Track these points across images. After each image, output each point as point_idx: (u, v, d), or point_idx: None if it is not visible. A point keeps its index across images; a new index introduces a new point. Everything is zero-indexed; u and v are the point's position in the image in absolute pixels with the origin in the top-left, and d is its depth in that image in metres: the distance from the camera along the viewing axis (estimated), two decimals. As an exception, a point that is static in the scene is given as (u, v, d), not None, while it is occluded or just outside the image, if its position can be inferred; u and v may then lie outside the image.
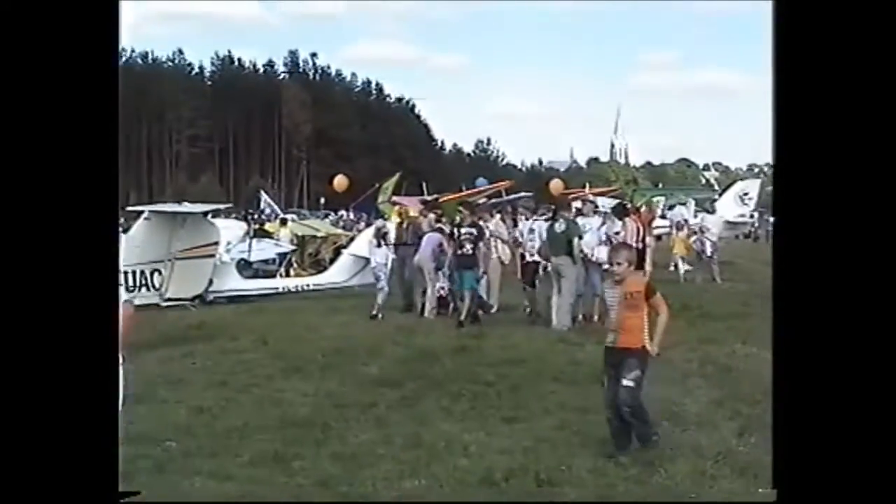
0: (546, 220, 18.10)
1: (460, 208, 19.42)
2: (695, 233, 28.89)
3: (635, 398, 8.17)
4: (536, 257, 17.77)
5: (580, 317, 16.98)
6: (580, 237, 17.02)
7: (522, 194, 55.55)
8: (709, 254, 27.83)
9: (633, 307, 8.30)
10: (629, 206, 23.65)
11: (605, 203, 33.55)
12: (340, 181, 49.85)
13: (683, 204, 40.07)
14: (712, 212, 31.54)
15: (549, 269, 17.00)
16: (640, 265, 19.01)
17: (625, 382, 8.12)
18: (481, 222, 19.10)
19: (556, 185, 48.15)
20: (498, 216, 22.65)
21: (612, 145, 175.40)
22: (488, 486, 7.48)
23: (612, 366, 8.37)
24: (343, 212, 57.08)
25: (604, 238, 18.26)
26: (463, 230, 17.93)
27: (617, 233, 19.02)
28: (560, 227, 16.98)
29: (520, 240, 18.84)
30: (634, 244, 17.70)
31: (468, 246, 17.76)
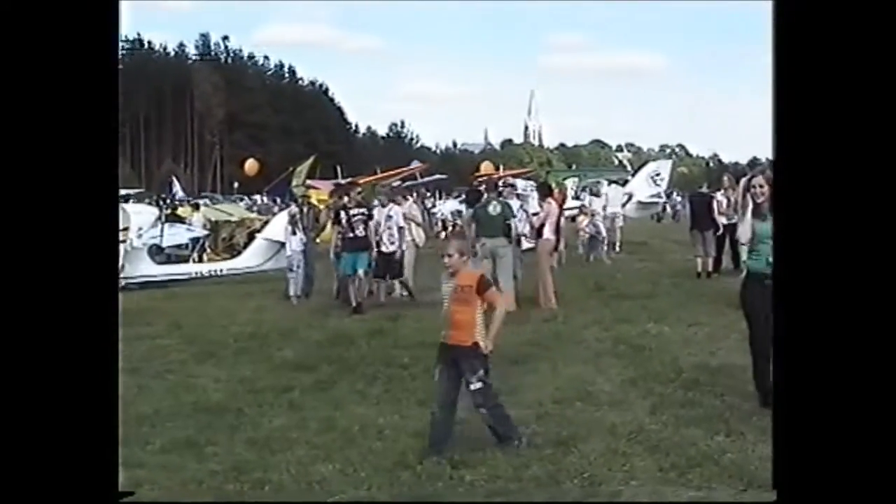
0: (462, 202, 18.16)
1: (349, 193, 19.15)
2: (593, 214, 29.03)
3: (489, 398, 7.97)
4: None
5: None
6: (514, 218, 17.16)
7: (437, 176, 55.69)
8: (603, 234, 27.99)
9: (464, 301, 7.95)
10: (554, 185, 23.77)
11: (522, 185, 33.74)
12: (251, 165, 49.49)
13: (616, 182, 40.48)
14: (599, 195, 31.65)
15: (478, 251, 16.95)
16: (556, 246, 19.26)
17: (472, 387, 7.91)
18: (395, 205, 19.06)
19: (487, 167, 48.30)
20: (411, 199, 22.63)
21: (526, 127, 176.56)
22: (402, 468, 7.47)
23: (445, 362, 8.08)
24: (257, 196, 56.71)
25: (523, 220, 18.39)
26: (353, 212, 17.73)
27: (535, 213, 19.18)
28: (495, 209, 16.99)
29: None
30: (554, 224, 17.90)
31: (360, 228, 17.62)
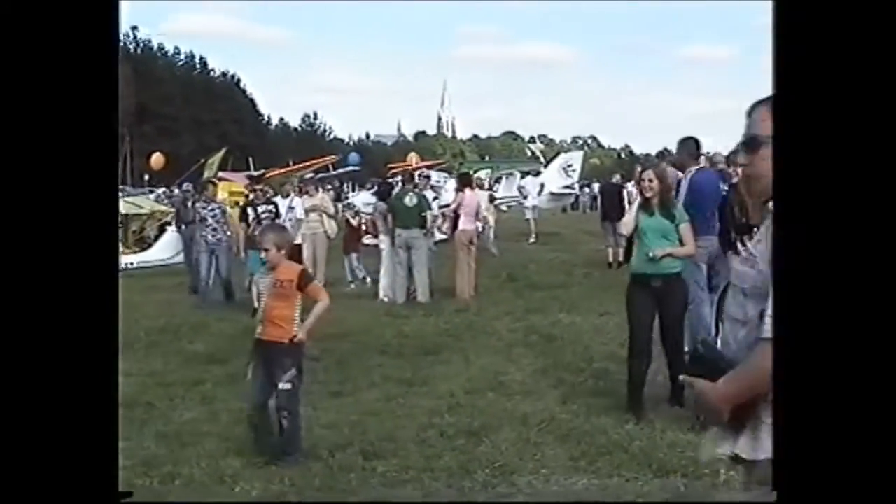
0: (374, 193, 18.13)
1: (255, 188, 18.66)
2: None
3: (293, 401, 7.66)
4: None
5: (411, 289, 17.04)
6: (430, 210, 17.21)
7: (350, 168, 55.45)
8: (491, 224, 28.07)
9: (284, 297, 7.73)
10: (474, 176, 23.81)
11: (435, 176, 33.76)
12: (157, 159, 48.93)
13: (529, 173, 40.69)
14: (484, 187, 31.78)
15: (395, 242, 16.90)
16: (473, 237, 19.33)
17: (281, 385, 7.57)
18: (306, 196, 18.99)
19: (414, 157, 48.26)
20: (321, 191, 22.53)
21: (440, 118, 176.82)
22: (314, 460, 7.46)
23: (260, 359, 7.73)
24: (165, 188, 56.00)
25: (437, 212, 18.45)
26: (260, 208, 16.93)
27: (448, 205, 19.26)
28: (411, 200, 16.99)
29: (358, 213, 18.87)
30: (472, 214, 17.96)
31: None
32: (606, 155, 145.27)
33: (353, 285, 19.24)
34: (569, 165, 39.10)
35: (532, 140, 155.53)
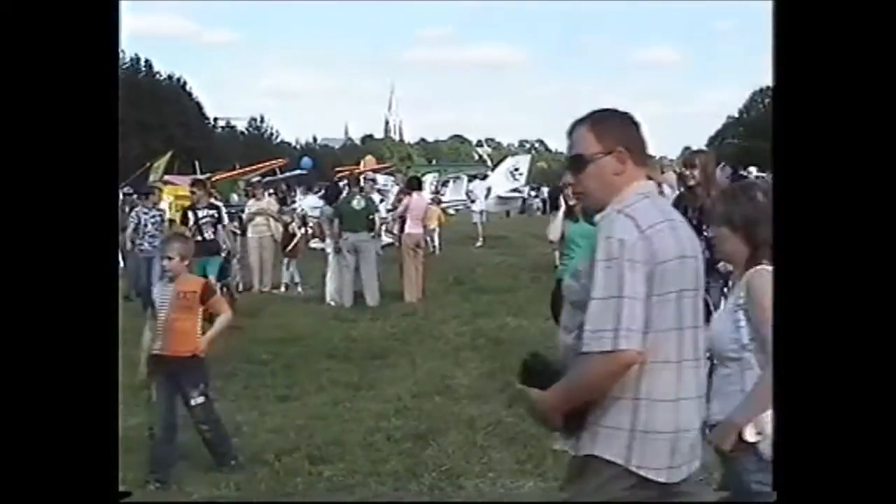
0: (321, 197, 18.08)
1: (194, 189, 18.06)
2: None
3: (210, 413, 7.54)
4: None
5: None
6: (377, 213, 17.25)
7: (297, 171, 55.14)
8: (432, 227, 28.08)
9: (186, 309, 7.40)
10: (422, 180, 23.85)
11: (382, 180, 33.73)
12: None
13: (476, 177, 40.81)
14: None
15: (341, 246, 16.85)
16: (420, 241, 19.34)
17: (194, 402, 7.35)
18: (253, 199, 18.91)
19: (370, 161, 48.12)
20: (268, 195, 22.47)
21: (387, 122, 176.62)
22: (260, 465, 7.42)
23: (164, 377, 7.45)
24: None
25: (385, 215, 18.46)
26: (201, 213, 16.00)
27: (395, 208, 19.28)
28: (359, 203, 16.98)
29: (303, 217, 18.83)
30: (419, 217, 17.96)
31: (209, 231, 15.86)
32: (554, 159, 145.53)
33: (299, 288, 19.19)
34: (516, 169, 39.30)
35: (479, 144, 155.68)
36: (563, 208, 8.91)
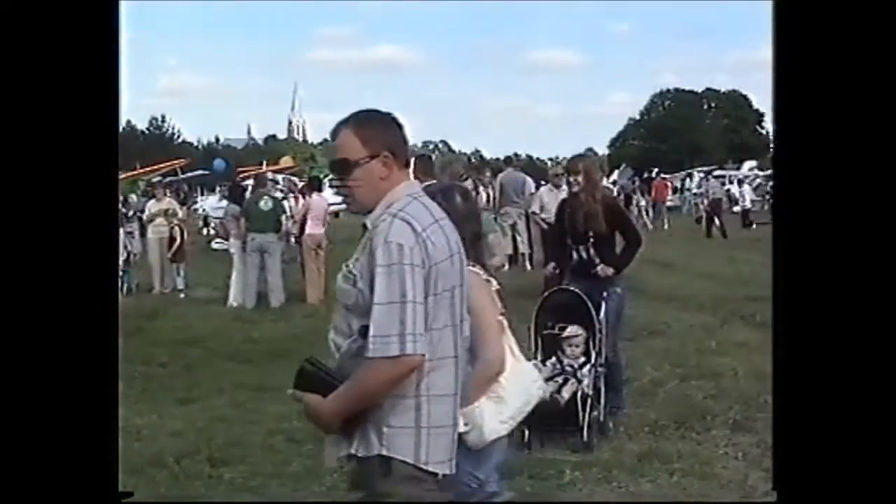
0: (225, 197, 17.97)
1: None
2: None
3: None
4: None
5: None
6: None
7: (199, 172, 54.64)
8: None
9: None
10: (323, 179, 23.72)
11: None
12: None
13: None
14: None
15: (246, 247, 16.72)
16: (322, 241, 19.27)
17: None
18: (153, 200, 18.70)
19: (286, 161, 47.74)
20: (168, 195, 22.20)
21: (290, 122, 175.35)
22: (159, 468, 7.33)
23: None
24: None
25: (289, 214, 18.40)
26: None
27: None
28: (266, 204, 16.91)
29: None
30: (321, 218, 17.90)
31: None
32: (457, 160, 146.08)
33: (184, 293, 18.99)
34: (419, 170, 39.25)
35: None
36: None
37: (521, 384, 4.80)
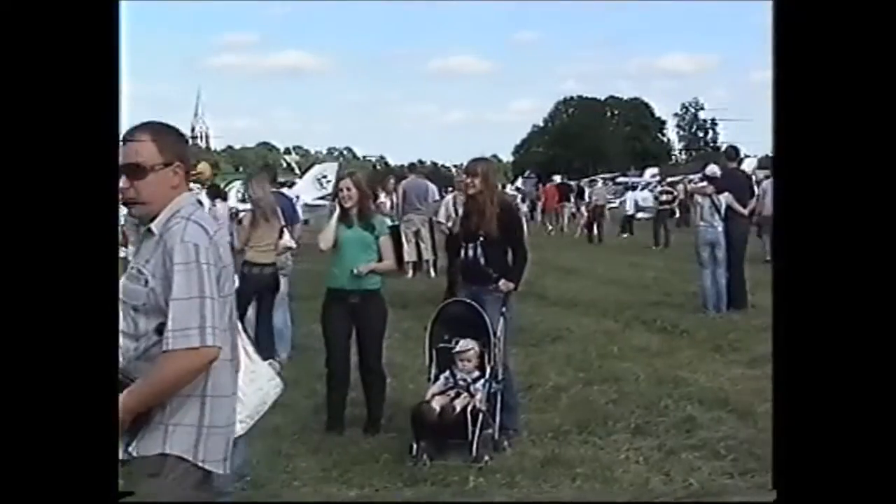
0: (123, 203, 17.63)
1: None
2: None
3: None
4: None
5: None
6: None
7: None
8: None
9: None
10: (225, 188, 23.53)
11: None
12: None
13: (285, 185, 40.40)
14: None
15: None
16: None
17: None
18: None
19: (204, 167, 47.05)
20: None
21: (193, 129, 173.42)
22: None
23: None
24: None
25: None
26: None
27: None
28: None
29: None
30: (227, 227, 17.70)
31: None
32: (362, 166, 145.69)
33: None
34: (323, 177, 39.12)
35: (287, 151, 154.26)
36: (336, 214, 8.67)
37: (256, 384, 4.83)
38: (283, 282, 12.22)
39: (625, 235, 37.45)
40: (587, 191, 42.49)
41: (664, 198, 36.24)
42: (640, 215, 40.69)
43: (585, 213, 38.36)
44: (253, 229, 11.15)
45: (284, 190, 36.37)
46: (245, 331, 11.47)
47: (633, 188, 52.75)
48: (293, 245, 11.90)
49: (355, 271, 8.38)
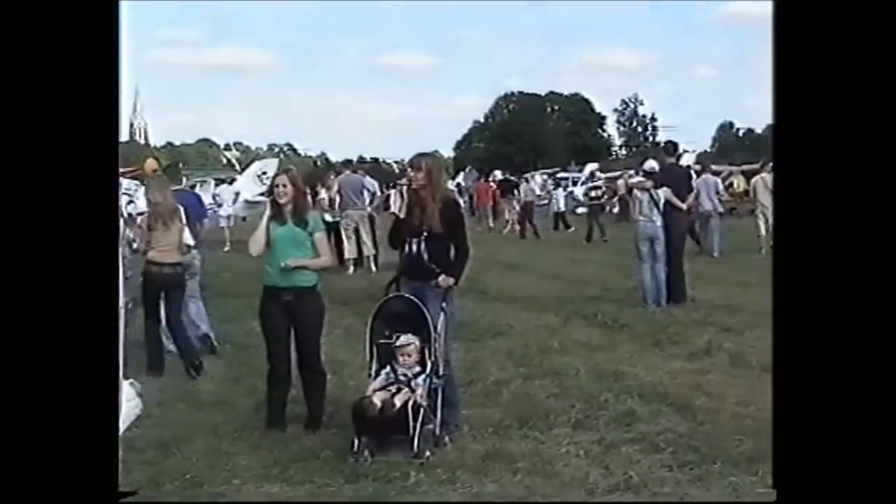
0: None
1: None
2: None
3: None
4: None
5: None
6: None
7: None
8: None
9: None
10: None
11: (126, 184, 32.76)
12: None
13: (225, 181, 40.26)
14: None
15: None
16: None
17: None
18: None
19: (150, 164, 46.62)
20: None
21: (132, 125, 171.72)
22: None
23: None
24: None
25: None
26: None
27: (140, 213, 18.81)
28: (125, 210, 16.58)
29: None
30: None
31: None
32: (303, 162, 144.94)
33: None
34: (263, 173, 38.82)
35: (227, 147, 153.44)
36: (266, 215, 8.58)
37: None
38: (194, 279, 12.23)
39: (557, 231, 37.78)
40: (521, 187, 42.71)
41: (593, 193, 36.75)
42: (580, 210, 40.99)
43: (517, 210, 38.56)
44: (151, 231, 11.23)
45: (224, 186, 36.26)
46: (163, 332, 11.47)
47: (576, 183, 53.11)
48: (192, 243, 11.89)
49: (283, 265, 8.32)
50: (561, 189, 46.46)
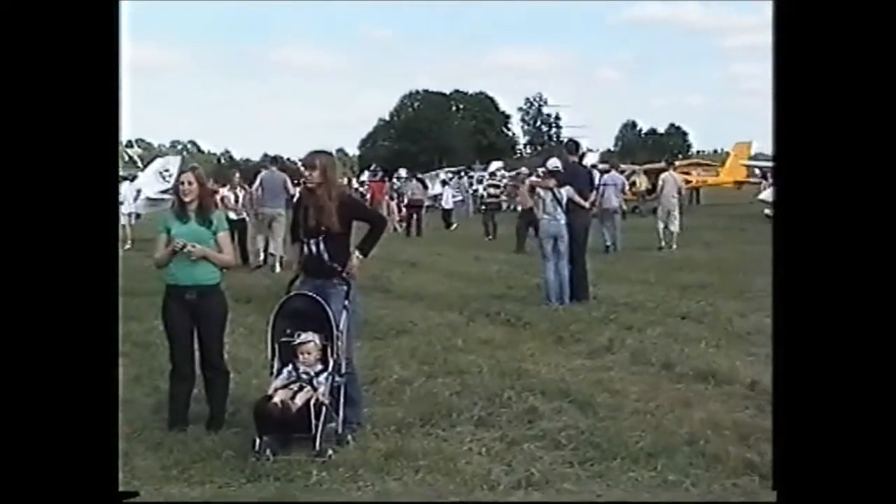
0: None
1: None
2: None
3: None
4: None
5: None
6: None
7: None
8: None
9: None
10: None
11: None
12: None
13: (127, 178, 39.69)
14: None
15: None
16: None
17: None
18: None
19: None
20: None
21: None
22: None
23: None
24: None
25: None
26: None
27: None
28: None
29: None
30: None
31: None
32: (206, 160, 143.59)
33: None
34: (166, 170, 38.42)
35: (130, 144, 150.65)
36: (174, 208, 8.49)
37: None
38: None
39: (449, 230, 38.34)
40: (405, 185, 43.03)
41: (491, 191, 37.19)
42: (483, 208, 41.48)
43: (405, 208, 38.87)
44: None
45: (126, 183, 35.73)
46: None
47: (481, 181, 53.52)
48: None
49: (187, 248, 8.16)
50: (447, 188, 46.90)
